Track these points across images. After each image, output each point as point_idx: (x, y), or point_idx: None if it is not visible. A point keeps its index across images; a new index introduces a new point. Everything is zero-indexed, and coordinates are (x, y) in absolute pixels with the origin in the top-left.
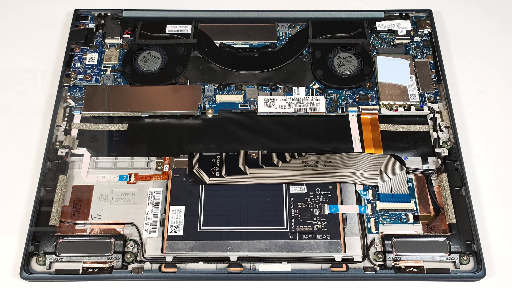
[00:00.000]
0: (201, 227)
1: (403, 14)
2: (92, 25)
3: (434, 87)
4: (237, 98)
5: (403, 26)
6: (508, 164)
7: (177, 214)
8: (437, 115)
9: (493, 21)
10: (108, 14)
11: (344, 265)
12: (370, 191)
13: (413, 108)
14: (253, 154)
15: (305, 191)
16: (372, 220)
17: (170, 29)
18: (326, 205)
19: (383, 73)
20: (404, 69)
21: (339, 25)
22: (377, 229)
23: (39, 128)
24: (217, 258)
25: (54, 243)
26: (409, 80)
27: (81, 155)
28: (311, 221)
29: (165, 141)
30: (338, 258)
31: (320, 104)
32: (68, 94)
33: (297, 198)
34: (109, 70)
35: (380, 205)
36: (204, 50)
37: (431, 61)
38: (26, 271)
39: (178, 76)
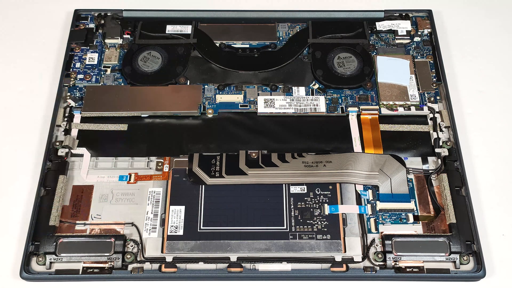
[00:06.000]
0: (201, 227)
1: (403, 14)
2: (92, 25)
3: (434, 87)
4: (237, 98)
5: (403, 26)
6: (508, 164)
7: (177, 214)
8: (437, 115)
9: (493, 21)
10: (108, 14)
11: (344, 265)
12: (370, 191)
13: (413, 108)
14: (253, 154)
15: (305, 191)
16: (372, 220)
17: (170, 29)
18: (326, 205)
19: (383, 73)
20: (404, 69)
21: (339, 25)
22: (377, 229)
23: (39, 128)
24: (217, 258)
25: (54, 243)
26: (409, 80)
27: (81, 155)
28: (311, 221)
29: (165, 141)
30: (338, 258)
31: (320, 104)
32: (68, 94)
33: (297, 198)
34: (109, 70)
35: (380, 205)
36: (204, 50)
37: (431, 61)
38: (26, 271)
39: (178, 76)
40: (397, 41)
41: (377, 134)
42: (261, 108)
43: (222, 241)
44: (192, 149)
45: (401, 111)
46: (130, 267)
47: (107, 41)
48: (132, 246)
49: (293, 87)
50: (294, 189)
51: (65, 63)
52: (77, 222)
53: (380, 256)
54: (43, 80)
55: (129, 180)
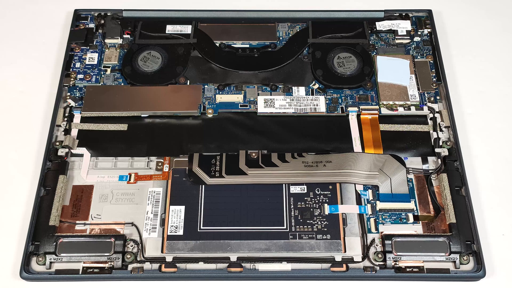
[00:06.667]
0: (201, 227)
1: (403, 14)
2: (92, 25)
3: (434, 87)
4: (237, 98)
5: (403, 26)
6: (508, 164)
7: (177, 214)
8: (437, 115)
9: (494, 21)
10: (108, 14)
11: (344, 265)
12: (370, 191)
13: (413, 108)
14: (253, 154)
15: (305, 191)
16: (372, 220)
17: (170, 29)
18: (326, 205)
19: (383, 73)
20: (404, 69)
21: (339, 25)
22: (377, 229)
23: (39, 128)
24: (217, 258)
25: (54, 243)
26: (409, 80)
27: (81, 155)
28: (311, 221)
29: (165, 141)
30: (338, 258)
31: (320, 104)
32: (68, 94)
33: (297, 198)
34: (109, 70)
35: (380, 205)
36: (204, 50)
37: (431, 61)
38: (26, 271)
39: (178, 76)
40: (397, 41)
41: (377, 134)
42: (261, 108)
43: (222, 241)
44: (192, 149)
45: (401, 111)
46: (130, 267)
47: (107, 41)
48: (132, 246)
49: (293, 87)
50: (294, 189)
51: (65, 63)
52: (77, 222)
53: (380, 256)
54: (43, 80)
55: (129, 180)
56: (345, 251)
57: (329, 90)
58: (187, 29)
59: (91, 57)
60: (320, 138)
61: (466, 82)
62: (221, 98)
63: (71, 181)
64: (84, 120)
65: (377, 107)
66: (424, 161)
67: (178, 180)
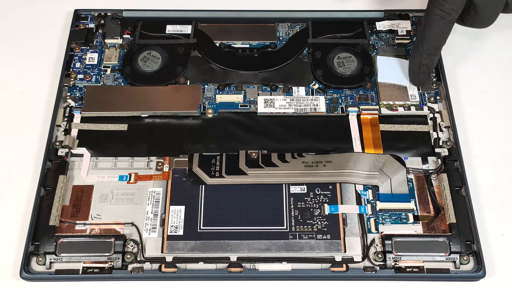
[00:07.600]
0: (201, 227)
1: (403, 14)
2: (92, 25)
3: (434, 87)
4: (237, 98)
5: (403, 26)
6: (508, 164)
7: (177, 214)
8: (437, 115)
9: None
10: (108, 14)
11: (344, 265)
12: (370, 191)
13: (413, 108)
14: (253, 154)
15: (305, 191)
16: (372, 220)
17: (170, 29)
18: (326, 205)
19: (383, 73)
20: (404, 69)
21: (339, 25)
22: (377, 229)
23: (39, 128)
24: (217, 258)
25: (54, 243)
26: (409, 80)
27: (81, 155)
28: (311, 221)
29: (165, 141)
30: (338, 258)
31: (320, 104)
32: (68, 94)
33: (297, 198)
34: (109, 70)
35: (380, 205)
36: (204, 50)
37: None
38: (26, 271)
39: (178, 76)
40: (397, 41)
41: (377, 134)
42: (261, 108)
43: (222, 241)
44: (192, 149)
45: (401, 111)
46: (130, 267)
47: (107, 41)
48: (132, 246)
49: (293, 87)
50: (294, 189)
51: (65, 63)
52: (77, 222)
53: (380, 256)
54: (43, 80)
55: (129, 180)
56: (345, 251)
57: (329, 90)
58: (187, 29)
59: (91, 57)
60: (320, 138)
61: (466, 82)
62: (221, 98)
63: (71, 181)
64: (84, 120)
65: (377, 107)
66: (424, 161)
67: (178, 180)
